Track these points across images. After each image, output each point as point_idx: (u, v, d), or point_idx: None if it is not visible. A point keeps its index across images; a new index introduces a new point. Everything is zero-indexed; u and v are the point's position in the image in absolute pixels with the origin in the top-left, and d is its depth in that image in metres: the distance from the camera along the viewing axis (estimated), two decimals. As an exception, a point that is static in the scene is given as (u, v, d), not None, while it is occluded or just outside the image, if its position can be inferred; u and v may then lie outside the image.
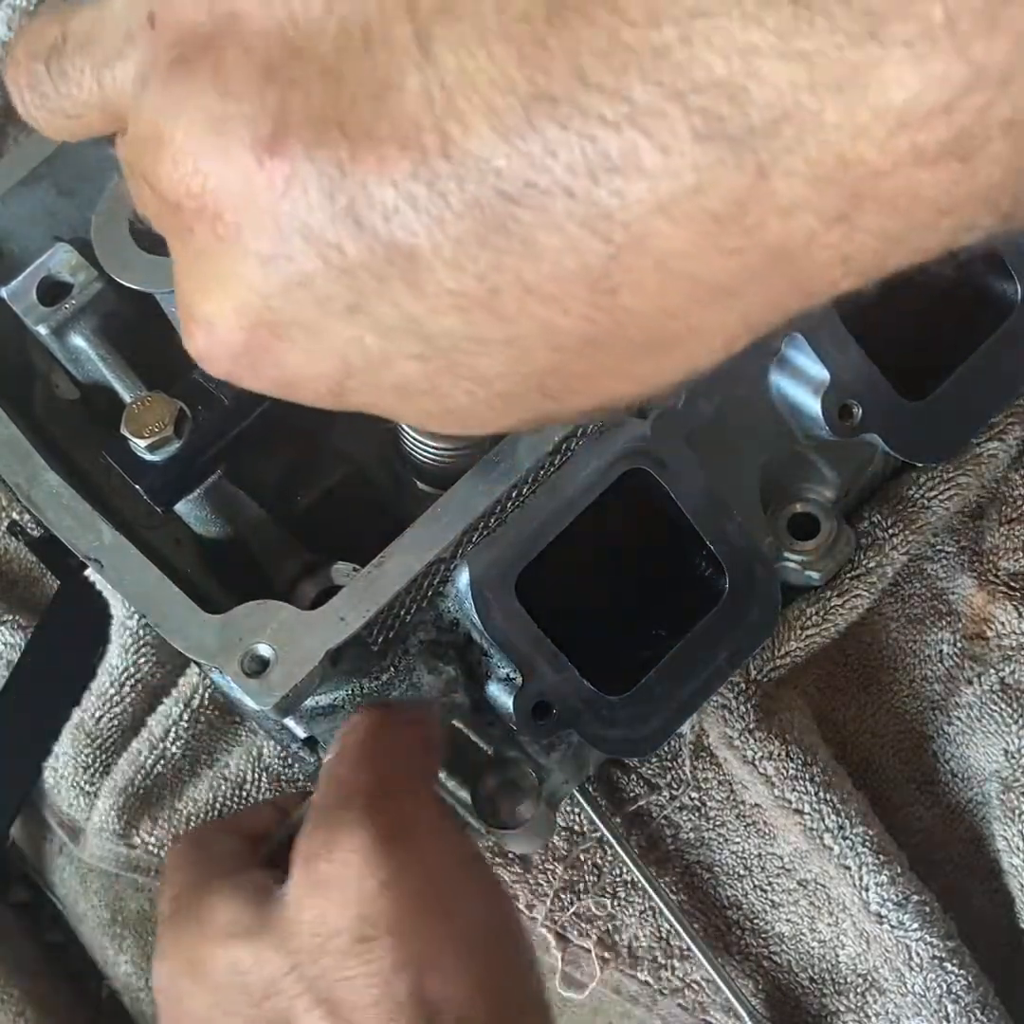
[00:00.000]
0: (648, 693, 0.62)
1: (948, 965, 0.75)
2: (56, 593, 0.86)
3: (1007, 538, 0.82)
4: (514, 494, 0.57)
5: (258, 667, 0.51)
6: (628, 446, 0.59)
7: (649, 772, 0.82)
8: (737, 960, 0.80)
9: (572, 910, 0.81)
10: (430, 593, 0.57)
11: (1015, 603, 0.81)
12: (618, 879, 0.81)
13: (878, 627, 0.84)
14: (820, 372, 0.62)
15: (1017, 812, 0.78)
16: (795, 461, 0.66)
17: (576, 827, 0.82)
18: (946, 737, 0.83)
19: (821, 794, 0.77)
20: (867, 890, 0.76)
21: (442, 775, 0.61)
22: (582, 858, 0.81)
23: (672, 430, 0.60)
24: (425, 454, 0.59)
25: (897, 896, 0.76)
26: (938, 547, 0.85)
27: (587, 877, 0.81)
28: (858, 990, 0.79)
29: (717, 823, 0.82)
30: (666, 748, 0.83)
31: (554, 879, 0.81)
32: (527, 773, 0.61)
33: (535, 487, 0.57)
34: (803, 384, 0.63)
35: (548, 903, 0.80)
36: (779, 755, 0.78)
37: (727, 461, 0.64)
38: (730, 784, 0.82)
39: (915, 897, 0.76)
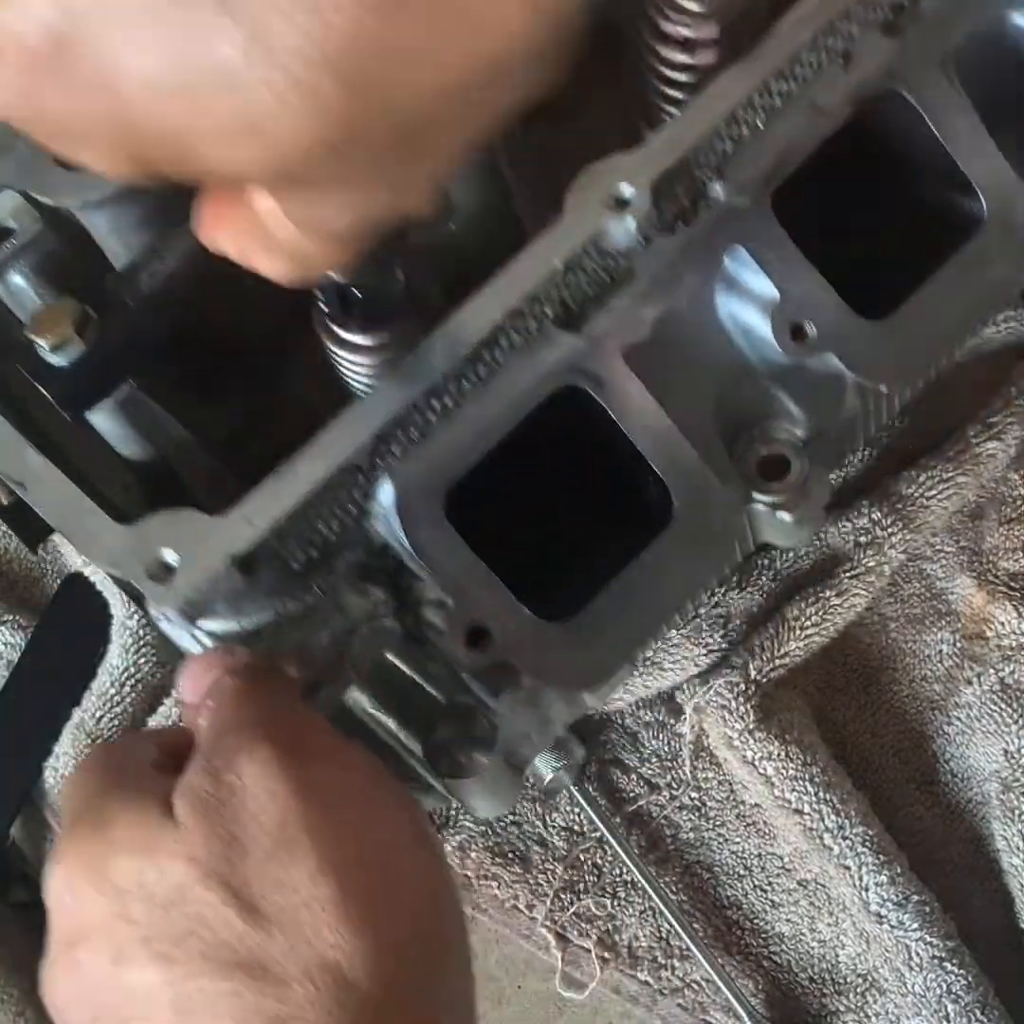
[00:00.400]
0: (592, 620, 0.58)
1: (948, 965, 0.75)
2: (56, 593, 0.87)
3: (1007, 538, 0.82)
4: (433, 403, 0.56)
5: (163, 572, 0.51)
6: (561, 362, 0.57)
7: (649, 772, 0.83)
8: (737, 960, 0.80)
9: (572, 910, 0.81)
10: (351, 508, 0.56)
11: (1015, 603, 0.81)
12: (618, 879, 0.81)
13: (878, 627, 0.84)
14: (769, 290, 0.60)
15: (1017, 812, 0.78)
16: (756, 394, 0.63)
17: (576, 827, 0.82)
18: (946, 737, 0.83)
19: (821, 794, 0.77)
20: (867, 890, 0.76)
21: (394, 726, 0.59)
22: (582, 858, 0.81)
23: (607, 344, 0.58)
24: (354, 377, 0.59)
25: (897, 896, 0.76)
26: (938, 547, 0.85)
27: (587, 877, 0.81)
28: (858, 990, 0.79)
29: (717, 823, 0.82)
30: (666, 748, 0.83)
31: (554, 879, 0.81)
32: (481, 722, 0.58)
33: (460, 399, 0.56)
34: (752, 304, 0.61)
35: (548, 903, 0.81)
36: (779, 755, 0.78)
37: (679, 390, 0.61)
38: (730, 784, 0.82)
39: (915, 897, 0.76)
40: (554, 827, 0.82)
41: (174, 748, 0.48)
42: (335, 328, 0.58)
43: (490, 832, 0.82)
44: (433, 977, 0.46)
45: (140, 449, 0.63)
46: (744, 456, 0.62)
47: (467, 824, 0.81)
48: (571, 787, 0.81)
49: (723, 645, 0.80)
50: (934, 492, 0.80)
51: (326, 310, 0.58)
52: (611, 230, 0.56)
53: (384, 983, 0.43)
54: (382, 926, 0.44)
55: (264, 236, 0.41)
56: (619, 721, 0.83)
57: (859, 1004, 0.79)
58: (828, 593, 0.79)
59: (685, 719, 0.81)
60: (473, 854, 0.81)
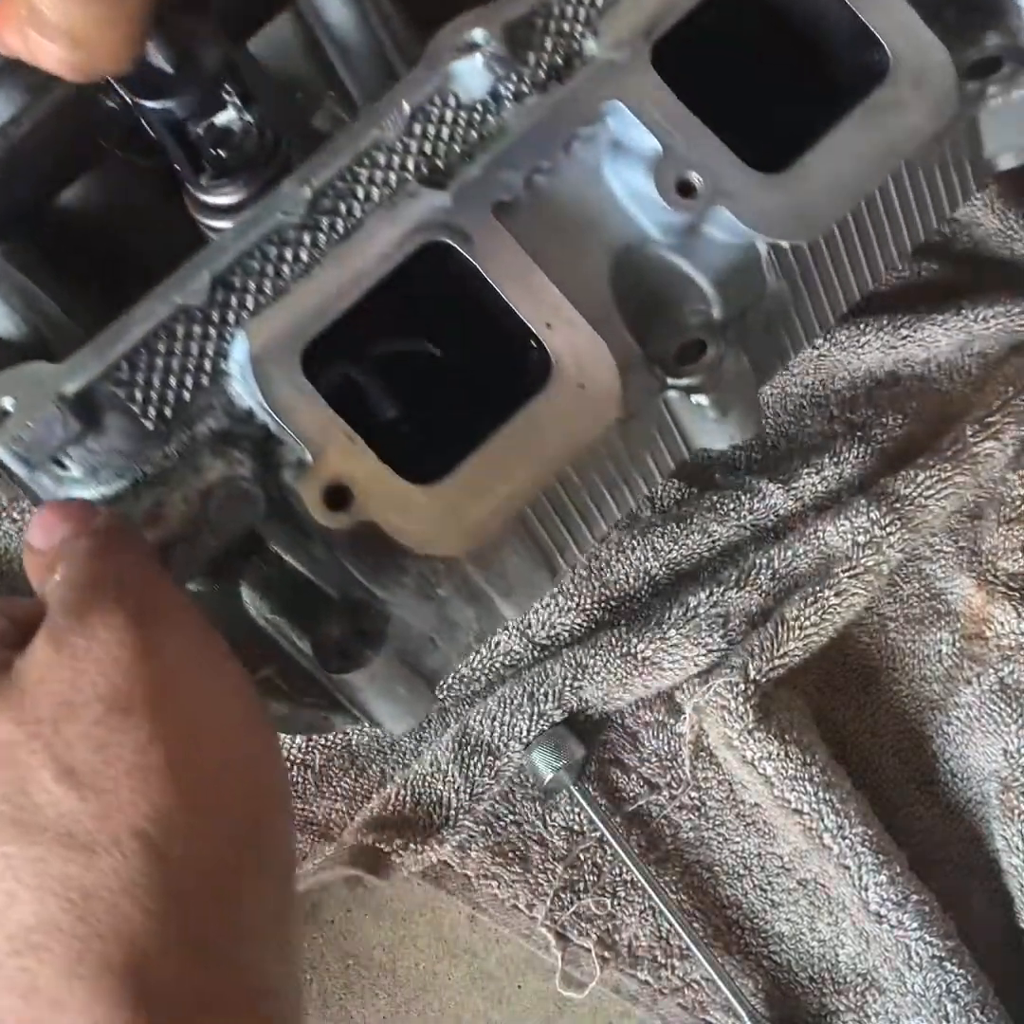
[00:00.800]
0: (461, 481, 0.56)
1: (947, 965, 0.75)
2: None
3: (1006, 538, 0.83)
4: (286, 254, 0.55)
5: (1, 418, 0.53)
6: (425, 218, 0.56)
7: (649, 772, 0.83)
8: (737, 959, 0.80)
9: (572, 910, 0.81)
10: (206, 364, 0.55)
11: (1014, 603, 0.81)
12: (618, 879, 0.81)
13: (877, 627, 0.84)
14: (652, 145, 0.58)
15: (1016, 812, 0.78)
16: (658, 267, 0.61)
17: (576, 827, 0.82)
18: (945, 737, 0.83)
19: (820, 794, 0.78)
20: (867, 890, 0.77)
21: (287, 626, 0.58)
22: (582, 858, 0.81)
23: (475, 202, 0.57)
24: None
25: (896, 896, 0.76)
26: (937, 547, 0.85)
27: (587, 877, 0.81)
28: (858, 989, 0.79)
29: (717, 823, 0.82)
30: (666, 748, 0.83)
31: (554, 879, 0.81)
32: (372, 615, 0.56)
33: (317, 254, 0.56)
34: (639, 164, 0.59)
35: (548, 903, 0.81)
36: (778, 755, 0.78)
37: (565, 255, 0.60)
38: (730, 784, 0.82)
39: (914, 897, 0.77)
40: (554, 827, 0.82)
41: (23, 621, 0.48)
42: (192, 189, 0.59)
43: (490, 832, 0.82)
44: (247, 869, 0.45)
45: (12, 325, 0.64)
46: (661, 346, 0.60)
47: (467, 824, 0.81)
48: (571, 787, 0.81)
49: (722, 645, 0.81)
50: (932, 492, 0.80)
51: (179, 169, 0.59)
52: (462, 74, 0.56)
53: (195, 864, 0.43)
54: (202, 805, 0.43)
55: (41, 22, 0.45)
56: (619, 721, 0.83)
57: (859, 1003, 0.79)
58: (827, 593, 0.79)
59: (685, 719, 0.82)
60: (473, 854, 0.81)
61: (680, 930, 0.79)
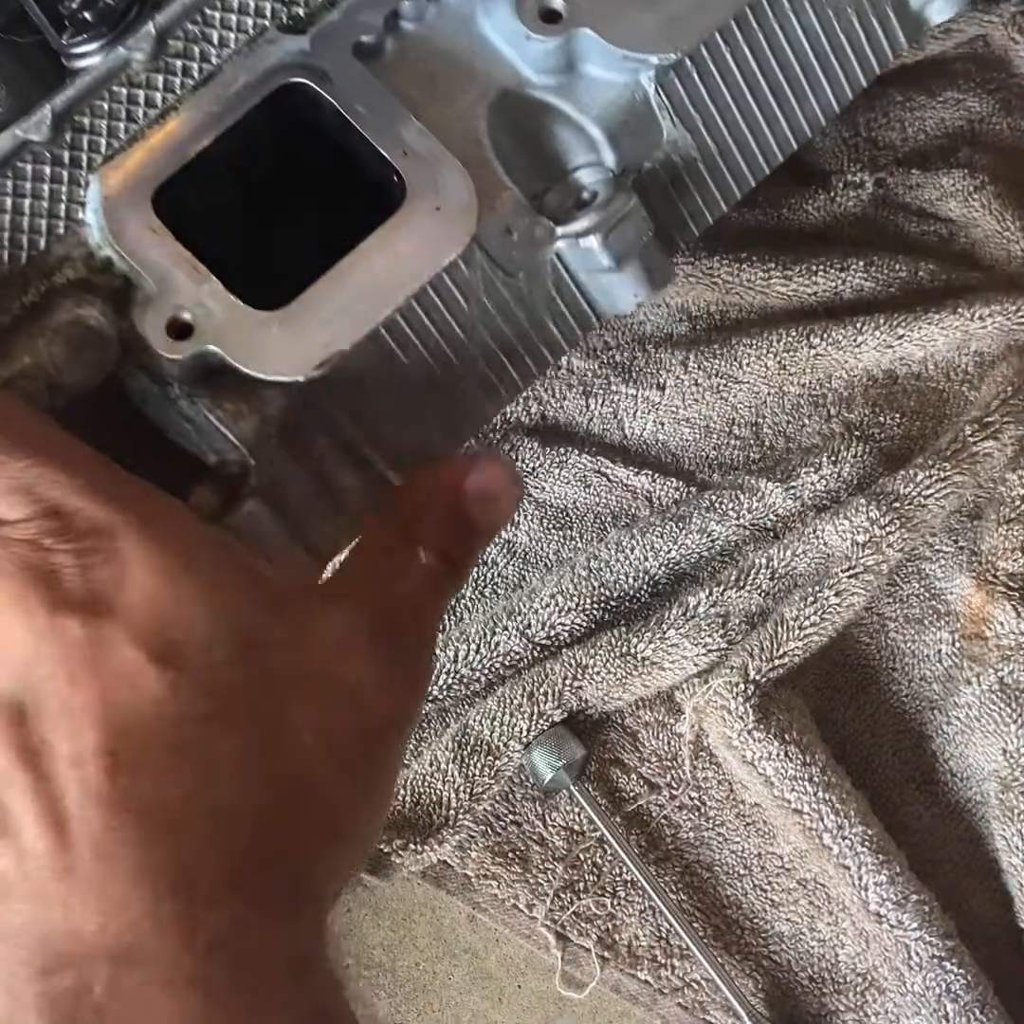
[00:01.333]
0: (306, 305, 0.55)
1: (947, 964, 0.75)
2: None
3: (1005, 538, 0.83)
4: (140, 99, 0.56)
5: None
6: (283, 60, 0.56)
7: (649, 772, 0.83)
8: (737, 959, 0.80)
9: (572, 909, 0.81)
10: (58, 208, 0.55)
11: (1014, 603, 0.81)
12: (618, 878, 0.81)
13: (877, 628, 0.85)
14: None
15: (1016, 811, 0.78)
16: (541, 113, 0.60)
17: (576, 827, 0.82)
18: (945, 737, 0.83)
19: (820, 794, 0.78)
20: (866, 890, 0.77)
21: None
22: (582, 857, 0.82)
23: (335, 43, 0.57)
24: None
25: (896, 896, 0.76)
26: (936, 547, 0.85)
27: (587, 876, 0.81)
28: (858, 989, 0.79)
29: (717, 823, 0.82)
30: (666, 748, 0.83)
31: (554, 878, 0.81)
32: (239, 473, 0.54)
33: (171, 100, 0.56)
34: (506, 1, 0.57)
35: (548, 903, 0.81)
36: (778, 755, 0.78)
37: (441, 102, 0.59)
38: (730, 784, 0.82)
39: (914, 897, 0.77)
40: (554, 827, 0.82)
41: None
42: (57, 52, 0.59)
43: (490, 832, 0.82)
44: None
45: None
46: (552, 199, 0.58)
47: (467, 824, 0.81)
48: (571, 787, 0.81)
49: (722, 645, 0.81)
50: (932, 491, 0.81)
51: (44, 32, 0.59)
52: None
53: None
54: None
55: None
56: (619, 721, 0.84)
57: (859, 1003, 0.79)
58: (827, 593, 0.79)
59: (685, 719, 0.82)
60: (473, 853, 0.81)
61: (680, 930, 0.79)
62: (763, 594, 0.81)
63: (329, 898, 0.43)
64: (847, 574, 0.79)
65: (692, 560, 0.84)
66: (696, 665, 0.81)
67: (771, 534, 0.85)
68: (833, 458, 0.85)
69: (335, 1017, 0.42)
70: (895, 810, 0.82)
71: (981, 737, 0.81)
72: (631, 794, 0.83)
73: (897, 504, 0.80)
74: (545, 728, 0.81)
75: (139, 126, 0.56)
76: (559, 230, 0.58)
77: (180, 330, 0.53)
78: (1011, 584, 0.82)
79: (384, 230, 0.56)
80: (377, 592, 0.47)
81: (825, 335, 0.87)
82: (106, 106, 0.56)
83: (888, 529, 0.80)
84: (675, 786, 0.82)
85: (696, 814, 0.82)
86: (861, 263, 0.89)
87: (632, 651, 0.81)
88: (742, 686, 0.79)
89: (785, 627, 0.80)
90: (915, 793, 0.83)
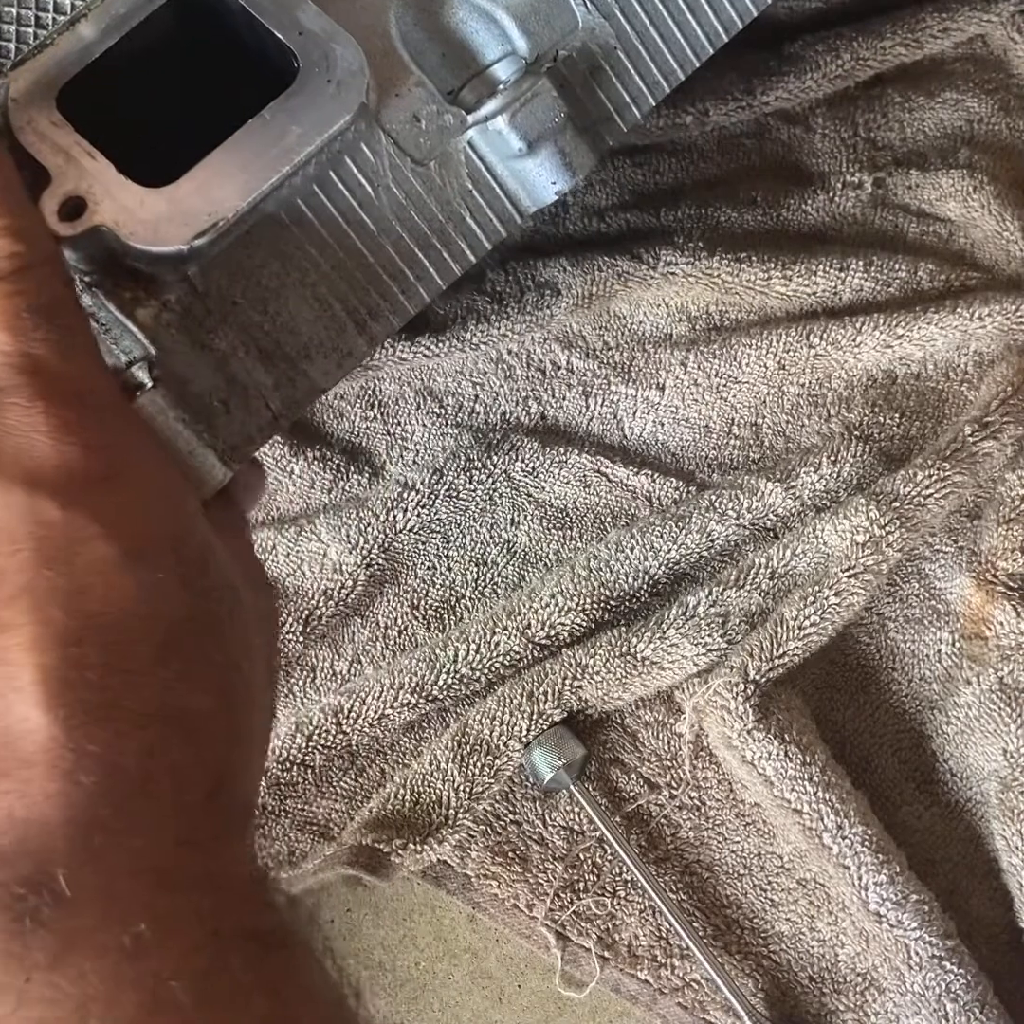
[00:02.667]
0: (193, 179, 0.55)
1: (947, 964, 0.75)
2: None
3: (1005, 538, 0.83)
4: (48, 4, 0.56)
5: None
6: None
7: (649, 772, 0.83)
8: (737, 959, 0.80)
9: (572, 909, 0.81)
10: None
11: (1014, 603, 0.82)
12: (618, 878, 0.81)
13: (876, 627, 0.85)
14: None
15: (1016, 811, 0.78)
16: (447, 2, 0.60)
17: (576, 826, 0.82)
18: (945, 737, 0.83)
19: (820, 794, 0.78)
20: (866, 889, 0.77)
21: None
22: (582, 857, 0.82)
23: None
24: None
25: (896, 895, 0.76)
26: (936, 547, 0.85)
27: (587, 876, 0.81)
28: (857, 989, 0.79)
29: (717, 823, 0.82)
30: (666, 748, 0.83)
31: (554, 878, 0.81)
32: (140, 362, 0.53)
33: (84, 8, 0.56)
34: None
35: (548, 902, 0.81)
36: (778, 755, 0.78)
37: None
38: (729, 784, 0.82)
39: (914, 896, 0.77)
40: (554, 827, 0.82)
41: None
42: None
43: (490, 831, 0.82)
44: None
45: None
46: (466, 92, 0.59)
47: (467, 823, 0.81)
48: (571, 787, 0.81)
49: (722, 645, 0.81)
50: (931, 491, 0.81)
51: None
52: None
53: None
54: None
55: None
56: (619, 721, 0.84)
57: (859, 1003, 0.79)
58: (826, 592, 0.80)
59: (685, 719, 0.82)
60: (473, 853, 0.81)
61: (680, 930, 0.79)
62: (763, 594, 0.82)
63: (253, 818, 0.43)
64: (847, 574, 0.79)
65: (692, 560, 0.85)
66: (696, 665, 0.81)
67: (771, 534, 0.85)
68: (833, 458, 0.85)
69: (295, 935, 0.41)
70: (895, 810, 0.82)
71: (981, 737, 0.81)
72: (631, 794, 0.83)
73: (897, 504, 0.80)
74: (545, 728, 0.81)
75: (49, 32, 0.56)
76: (470, 118, 0.57)
77: (73, 209, 0.53)
78: (1011, 584, 0.82)
79: (274, 104, 0.56)
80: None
81: (824, 335, 0.88)
82: (15, 12, 0.56)
83: (888, 529, 0.80)
84: (675, 786, 0.83)
85: (696, 814, 0.82)
86: (860, 263, 0.89)
87: (632, 651, 0.81)
88: (742, 686, 0.79)
89: (785, 627, 0.80)
90: (915, 793, 0.83)
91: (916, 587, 0.85)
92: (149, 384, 0.52)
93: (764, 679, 0.79)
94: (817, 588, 0.80)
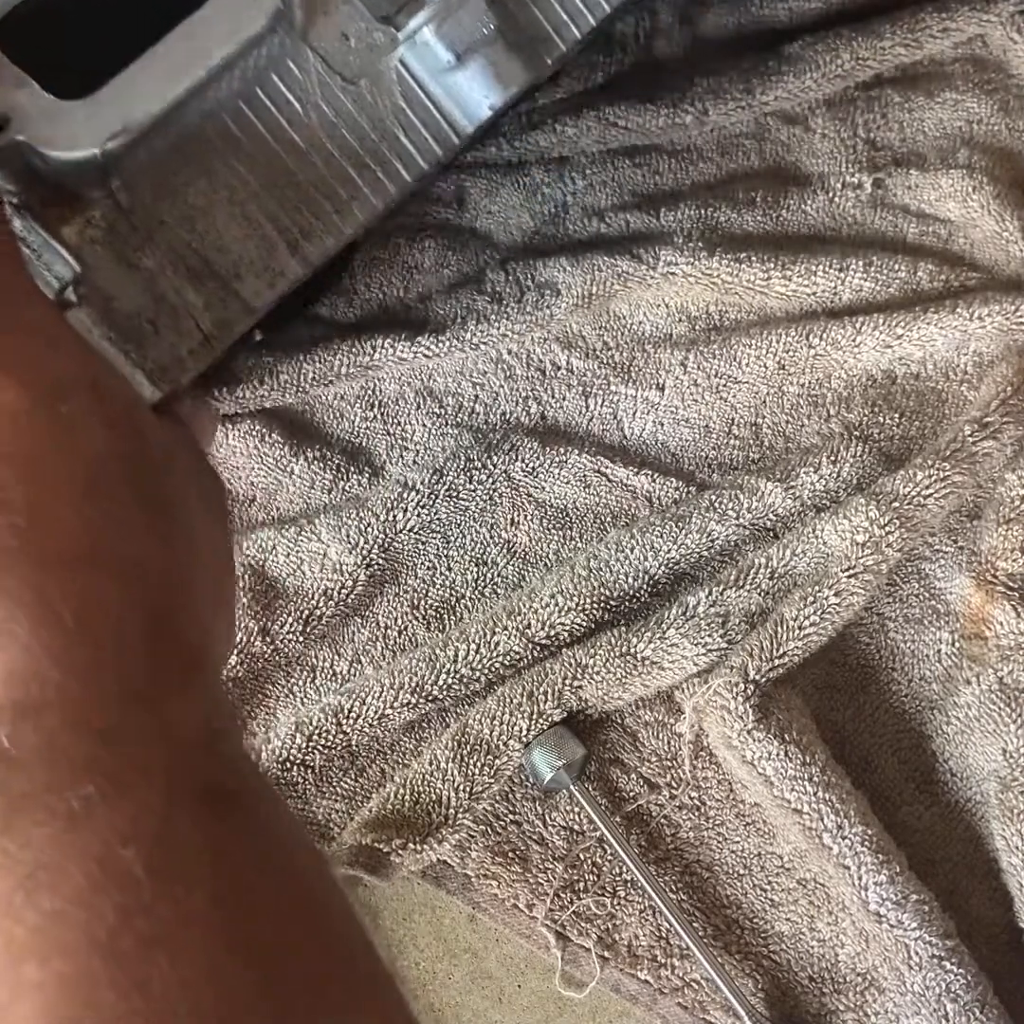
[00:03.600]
0: (111, 89, 0.55)
1: (947, 964, 0.75)
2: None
3: (1005, 539, 0.83)
4: None
5: None
6: None
7: (649, 772, 0.83)
8: (737, 959, 0.80)
9: (572, 909, 0.81)
10: None
11: (1013, 603, 0.82)
12: (618, 878, 0.81)
13: (876, 627, 0.85)
14: None
15: (1015, 811, 0.78)
16: None
17: (576, 826, 0.82)
18: (945, 737, 0.83)
19: (820, 794, 0.78)
20: (866, 889, 0.77)
21: None
22: (582, 857, 0.82)
23: None
24: None
25: (896, 895, 0.76)
26: (936, 547, 0.85)
27: (587, 876, 0.81)
28: (857, 989, 0.79)
29: (717, 823, 0.82)
30: (666, 748, 0.83)
31: (554, 878, 0.81)
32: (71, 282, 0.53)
33: None
34: None
35: (548, 902, 0.81)
36: (778, 755, 0.78)
37: None
38: (729, 784, 0.82)
39: (914, 896, 0.77)
40: (554, 826, 0.82)
41: None
42: None
43: (490, 831, 0.82)
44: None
45: None
46: (397, 14, 0.58)
47: (467, 823, 0.81)
48: (571, 787, 0.81)
49: (722, 645, 0.81)
50: (931, 491, 0.81)
51: None
52: None
53: None
54: None
55: None
56: (619, 721, 0.84)
57: (859, 1003, 0.79)
58: (826, 593, 0.80)
59: (685, 719, 0.82)
60: (473, 853, 0.81)
61: (680, 930, 0.79)
62: (763, 594, 0.82)
63: (221, 668, 0.41)
64: (847, 574, 0.80)
65: (692, 560, 0.85)
66: (696, 665, 0.81)
67: (771, 534, 0.85)
68: (832, 458, 0.85)
69: (256, 793, 0.38)
70: (895, 810, 0.82)
71: (981, 737, 0.81)
72: (631, 794, 0.83)
73: (896, 504, 0.80)
74: (545, 728, 0.81)
75: None
76: (400, 35, 0.57)
77: None
78: (1011, 584, 0.82)
79: (193, 17, 0.56)
80: None
81: (824, 335, 0.88)
82: None
83: (887, 529, 0.80)
84: (675, 786, 0.83)
85: (696, 814, 0.82)
86: (860, 263, 0.89)
87: (632, 651, 0.81)
88: (742, 686, 0.79)
89: (785, 627, 0.80)
90: (915, 793, 0.83)
91: (916, 587, 0.85)
92: (75, 301, 0.52)
93: (764, 679, 0.79)
94: (817, 588, 0.80)
